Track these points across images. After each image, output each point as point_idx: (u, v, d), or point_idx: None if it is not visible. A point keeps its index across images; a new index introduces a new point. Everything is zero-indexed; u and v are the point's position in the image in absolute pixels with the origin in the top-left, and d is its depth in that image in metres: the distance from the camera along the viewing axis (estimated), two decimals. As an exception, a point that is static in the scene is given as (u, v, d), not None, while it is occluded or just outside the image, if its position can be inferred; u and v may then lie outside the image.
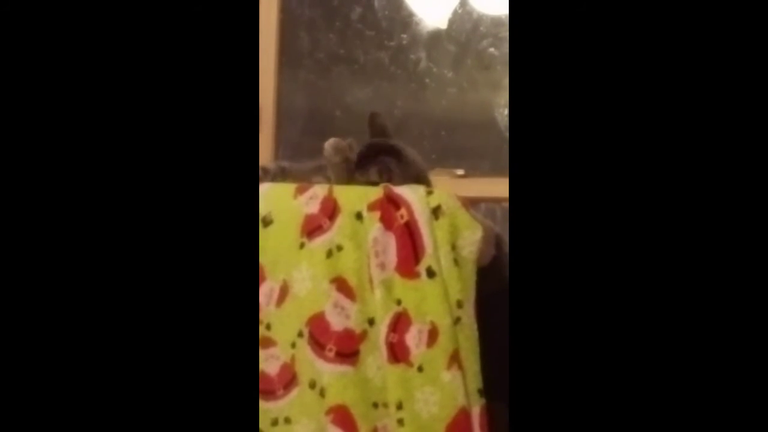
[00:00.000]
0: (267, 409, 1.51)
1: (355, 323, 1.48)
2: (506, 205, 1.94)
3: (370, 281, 1.48)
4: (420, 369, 1.44)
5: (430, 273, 1.47)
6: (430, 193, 1.52)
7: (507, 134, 2.02)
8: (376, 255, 1.48)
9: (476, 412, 1.44)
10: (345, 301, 1.48)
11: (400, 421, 1.43)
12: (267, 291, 1.53)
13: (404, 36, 2.17)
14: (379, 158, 1.61)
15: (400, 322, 1.46)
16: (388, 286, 1.47)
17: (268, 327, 1.53)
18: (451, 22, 2.13)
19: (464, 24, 2.12)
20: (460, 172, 2.02)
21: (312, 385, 1.48)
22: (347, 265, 1.49)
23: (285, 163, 1.80)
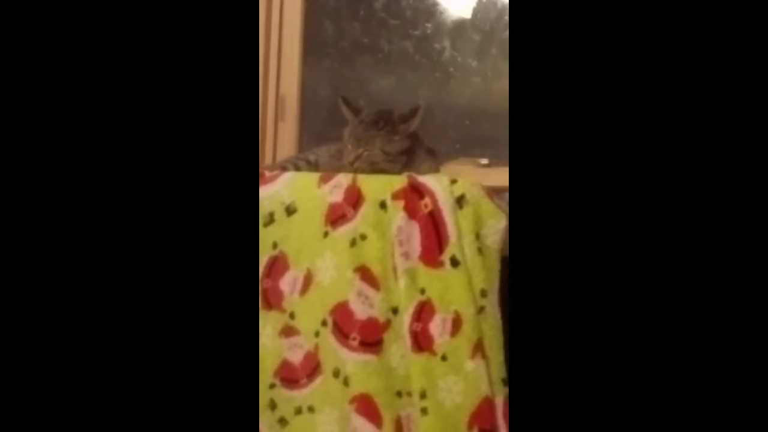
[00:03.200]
0: (290, 397, 1.52)
1: (379, 312, 1.48)
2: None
3: (394, 270, 1.48)
4: (444, 358, 1.44)
5: (454, 262, 1.46)
6: (454, 182, 1.51)
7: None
8: (400, 244, 1.48)
9: (500, 401, 1.44)
10: (369, 290, 1.48)
11: (424, 410, 1.43)
12: (290, 280, 1.54)
13: (428, 25, 2.16)
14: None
15: (423, 311, 1.46)
16: (412, 275, 1.47)
17: (292, 316, 1.53)
18: (475, 11, 2.12)
19: (489, 13, 2.11)
20: (485, 161, 2.01)
21: (336, 373, 1.49)
22: (371, 254, 1.49)
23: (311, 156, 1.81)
